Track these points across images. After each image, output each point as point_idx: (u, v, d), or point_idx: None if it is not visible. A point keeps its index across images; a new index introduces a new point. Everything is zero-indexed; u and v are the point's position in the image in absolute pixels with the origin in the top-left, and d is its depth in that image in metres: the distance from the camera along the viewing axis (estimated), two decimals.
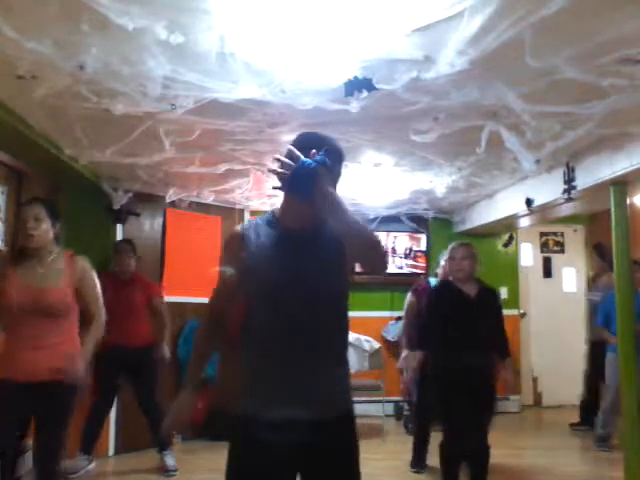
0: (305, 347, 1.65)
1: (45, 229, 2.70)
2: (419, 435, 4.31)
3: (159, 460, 4.25)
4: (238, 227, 1.82)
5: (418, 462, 4.24)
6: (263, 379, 1.68)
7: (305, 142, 1.72)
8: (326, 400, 1.67)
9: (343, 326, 1.80)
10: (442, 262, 4.37)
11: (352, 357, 5.58)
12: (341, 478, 1.70)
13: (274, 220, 1.75)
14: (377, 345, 5.72)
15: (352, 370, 5.53)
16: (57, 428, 2.62)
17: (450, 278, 3.49)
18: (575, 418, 5.70)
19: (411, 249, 6.42)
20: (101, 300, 2.83)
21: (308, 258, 1.69)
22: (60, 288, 2.67)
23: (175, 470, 4.20)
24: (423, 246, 6.38)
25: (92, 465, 4.23)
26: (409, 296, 4.50)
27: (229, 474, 1.65)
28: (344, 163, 1.79)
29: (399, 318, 6.00)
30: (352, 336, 5.72)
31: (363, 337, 5.64)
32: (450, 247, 3.49)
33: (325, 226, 1.71)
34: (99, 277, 4.29)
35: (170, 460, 4.24)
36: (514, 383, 3.56)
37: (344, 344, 1.81)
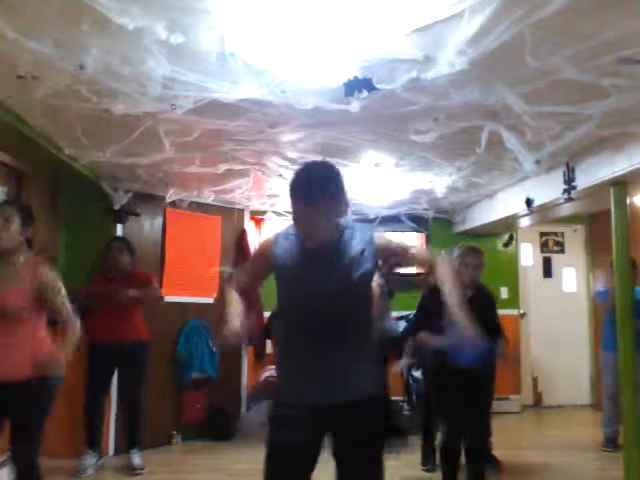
0: (325, 349, 1.92)
1: (14, 231, 2.66)
2: (425, 434, 4.35)
3: (127, 458, 4.29)
4: (272, 234, 2.08)
5: (428, 460, 4.28)
6: (292, 373, 1.99)
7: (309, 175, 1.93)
8: (342, 390, 1.92)
9: (362, 329, 2.02)
10: None
11: None
12: (357, 456, 1.96)
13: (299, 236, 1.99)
14: None
15: None
16: (26, 428, 2.64)
17: None
18: (576, 419, 5.72)
19: None
20: (67, 304, 2.78)
21: (329, 271, 1.92)
22: (15, 291, 2.63)
23: (142, 469, 4.22)
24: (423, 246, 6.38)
25: (102, 460, 4.30)
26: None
27: (267, 449, 1.94)
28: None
29: (399, 318, 6.00)
30: None
31: None
32: (462, 251, 3.46)
33: (344, 240, 1.95)
34: (92, 280, 4.32)
35: (137, 459, 4.26)
36: (510, 361, 3.68)
37: (363, 345, 2.01)
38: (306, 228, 1.91)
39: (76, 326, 2.80)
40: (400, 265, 2.16)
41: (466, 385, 3.19)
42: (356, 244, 1.95)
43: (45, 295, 2.70)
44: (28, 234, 2.76)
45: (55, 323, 2.85)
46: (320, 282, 1.92)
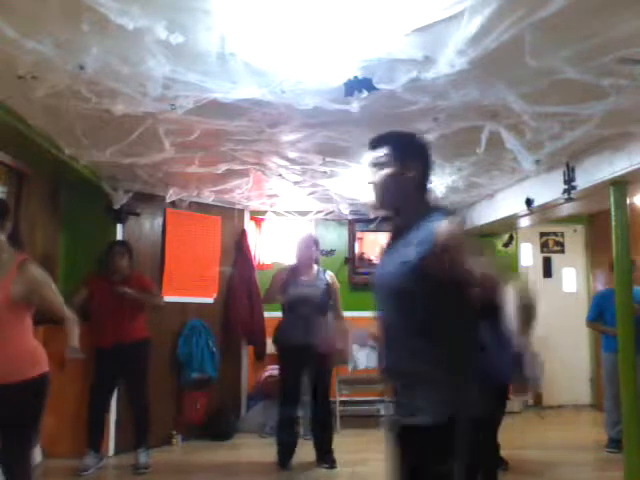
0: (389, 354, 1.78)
1: None
2: None
3: (134, 458, 4.31)
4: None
5: None
6: None
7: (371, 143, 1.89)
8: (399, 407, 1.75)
9: (420, 330, 1.72)
10: None
11: (362, 354, 5.66)
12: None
13: None
14: None
15: (362, 366, 5.61)
16: (15, 431, 2.57)
17: None
18: (576, 419, 5.68)
19: None
20: (61, 301, 2.73)
21: (389, 260, 1.78)
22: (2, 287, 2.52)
23: (147, 468, 4.25)
24: None
25: (103, 462, 4.32)
26: None
27: None
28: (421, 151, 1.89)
29: None
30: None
31: None
32: None
33: (417, 228, 1.75)
34: (89, 282, 4.31)
35: (144, 458, 4.29)
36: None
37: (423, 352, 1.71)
38: (373, 191, 1.82)
39: (72, 321, 2.75)
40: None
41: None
42: (421, 231, 1.71)
43: (36, 291, 2.61)
44: (7, 230, 2.63)
45: (44, 322, 2.79)
46: (382, 272, 1.78)
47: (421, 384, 1.69)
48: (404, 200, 1.80)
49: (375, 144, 1.85)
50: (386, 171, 1.79)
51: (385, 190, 1.80)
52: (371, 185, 1.83)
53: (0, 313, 2.53)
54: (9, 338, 2.58)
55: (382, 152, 1.81)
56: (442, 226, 1.66)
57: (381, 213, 1.88)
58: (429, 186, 1.86)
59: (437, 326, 1.68)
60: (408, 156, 1.82)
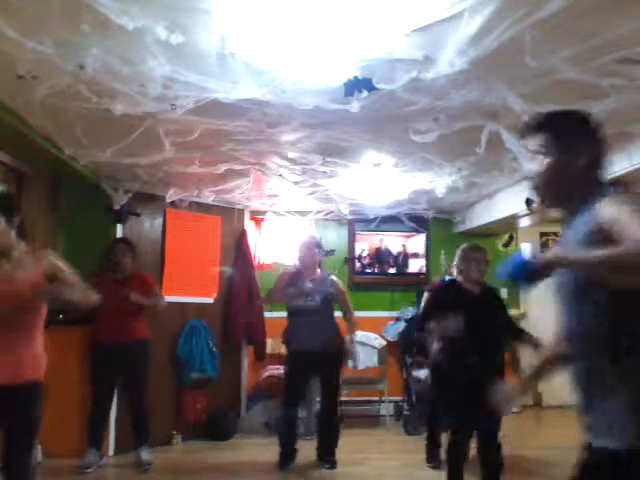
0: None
1: (2, 229, 2.52)
2: (429, 432, 4.37)
3: (135, 456, 4.33)
4: None
5: (432, 458, 4.31)
6: None
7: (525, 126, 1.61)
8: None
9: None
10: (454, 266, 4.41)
11: (363, 353, 5.67)
12: None
13: None
14: (384, 342, 5.91)
15: (362, 366, 5.58)
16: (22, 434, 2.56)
17: (459, 278, 3.50)
18: (575, 419, 5.67)
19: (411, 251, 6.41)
20: (79, 280, 2.71)
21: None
22: (30, 278, 2.51)
23: (150, 464, 4.27)
24: (422, 246, 6.38)
25: (103, 460, 4.32)
26: (426, 294, 4.60)
27: None
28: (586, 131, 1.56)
29: (399, 318, 6.02)
30: (360, 334, 5.82)
31: (372, 335, 5.86)
32: (465, 248, 3.49)
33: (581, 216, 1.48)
34: (94, 280, 4.31)
35: (146, 455, 4.31)
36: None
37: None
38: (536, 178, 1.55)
39: (93, 293, 2.74)
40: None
41: (472, 385, 3.19)
42: (583, 222, 1.43)
43: (57, 276, 2.60)
44: (16, 224, 2.60)
45: (53, 323, 2.79)
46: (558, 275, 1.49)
47: (612, 397, 1.36)
48: (572, 191, 1.51)
49: (534, 128, 1.55)
50: (549, 160, 1.51)
51: (549, 182, 1.52)
52: (532, 176, 1.56)
53: (17, 311, 2.51)
54: (23, 339, 2.56)
55: (542, 138, 1.52)
56: (603, 204, 1.38)
57: (551, 207, 1.61)
58: (602, 170, 1.55)
59: (621, 328, 1.37)
60: (574, 140, 1.51)
